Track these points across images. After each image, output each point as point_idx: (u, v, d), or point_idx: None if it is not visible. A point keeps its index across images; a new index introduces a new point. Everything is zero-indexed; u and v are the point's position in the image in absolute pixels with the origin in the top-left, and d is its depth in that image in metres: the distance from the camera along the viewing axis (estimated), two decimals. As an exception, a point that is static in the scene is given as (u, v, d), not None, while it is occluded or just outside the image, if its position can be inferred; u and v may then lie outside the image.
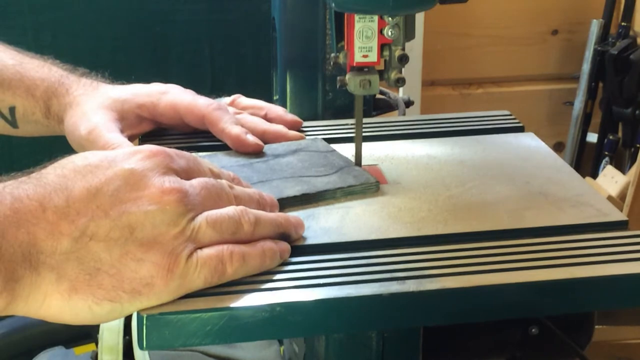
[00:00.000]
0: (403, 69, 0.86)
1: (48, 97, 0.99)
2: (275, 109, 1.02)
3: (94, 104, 0.96)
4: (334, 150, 0.93)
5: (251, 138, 0.94)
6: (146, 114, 0.98)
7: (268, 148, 0.94)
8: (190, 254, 0.68)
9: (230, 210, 0.71)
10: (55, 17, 1.62)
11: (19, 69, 1.00)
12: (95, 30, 1.65)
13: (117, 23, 1.61)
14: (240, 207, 0.72)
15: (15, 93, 0.99)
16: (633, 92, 2.00)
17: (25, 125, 1.01)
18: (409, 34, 0.85)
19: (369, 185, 0.86)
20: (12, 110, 0.99)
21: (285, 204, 0.82)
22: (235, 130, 0.94)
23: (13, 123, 1.00)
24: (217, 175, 0.76)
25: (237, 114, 0.99)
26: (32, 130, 1.02)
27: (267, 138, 0.96)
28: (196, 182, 0.72)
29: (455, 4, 0.88)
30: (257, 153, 0.93)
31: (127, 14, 1.59)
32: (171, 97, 0.98)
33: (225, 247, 0.69)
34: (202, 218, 0.70)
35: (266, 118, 1.00)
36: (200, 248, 0.69)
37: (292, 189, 0.84)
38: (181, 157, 0.74)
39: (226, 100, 1.03)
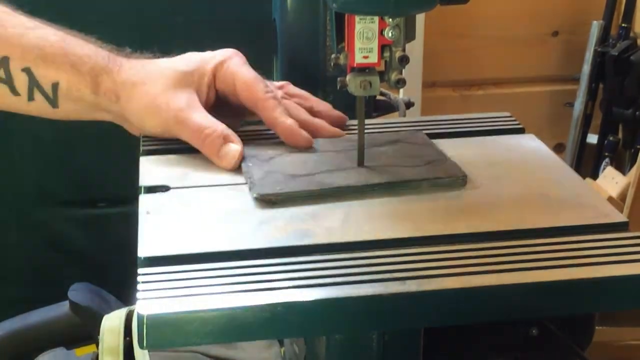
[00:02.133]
0: (403, 70, 0.86)
1: (96, 74, 0.97)
2: (322, 104, 1.01)
3: (163, 81, 0.96)
4: (432, 144, 0.93)
5: (304, 133, 0.94)
6: (216, 81, 0.98)
7: (368, 137, 0.93)
8: None
9: None
10: (55, 18, 1.61)
11: (63, 44, 0.98)
12: (96, 31, 1.64)
13: (119, 24, 1.60)
14: None
15: (60, 68, 0.97)
16: (633, 93, 2.01)
17: (66, 104, 0.99)
18: (410, 35, 0.85)
19: (456, 178, 0.86)
20: (55, 86, 0.97)
21: (370, 190, 0.84)
22: (289, 121, 0.94)
23: (53, 101, 0.98)
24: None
25: (284, 98, 0.99)
26: (72, 109, 0.99)
27: (306, 130, 0.95)
28: None
29: (456, 5, 0.88)
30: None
31: (128, 15, 1.59)
32: (234, 67, 0.97)
33: None
34: None
35: (312, 111, 1.00)
36: None
37: (378, 177, 0.85)
38: None
39: (275, 84, 1.03)
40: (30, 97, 0.98)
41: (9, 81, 0.98)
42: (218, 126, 0.92)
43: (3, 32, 0.98)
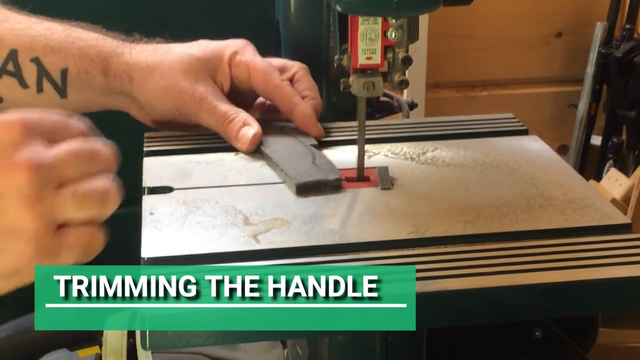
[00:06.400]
0: (407, 71, 0.86)
1: (105, 56, 0.98)
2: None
3: (182, 66, 0.97)
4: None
5: (319, 124, 0.96)
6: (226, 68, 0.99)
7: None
8: None
9: None
10: (59, 19, 1.62)
11: (69, 32, 0.99)
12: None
13: (122, 25, 1.61)
14: None
15: (68, 54, 0.98)
16: (637, 95, 2.00)
17: (75, 92, 0.99)
18: (413, 36, 0.85)
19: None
20: (63, 73, 0.98)
21: None
22: (309, 110, 0.96)
23: (62, 90, 0.98)
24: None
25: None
26: (81, 97, 0.99)
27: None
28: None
29: (459, 6, 0.88)
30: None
31: (131, 17, 1.59)
32: (248, 57, 0.98)
33: None
34: None
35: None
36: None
37: None
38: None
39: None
40: (39, 89, 0.98)
41: (17, 74, 0.98)
42: (241, 112, 0.95)
43: (9, 27, 0.99)
